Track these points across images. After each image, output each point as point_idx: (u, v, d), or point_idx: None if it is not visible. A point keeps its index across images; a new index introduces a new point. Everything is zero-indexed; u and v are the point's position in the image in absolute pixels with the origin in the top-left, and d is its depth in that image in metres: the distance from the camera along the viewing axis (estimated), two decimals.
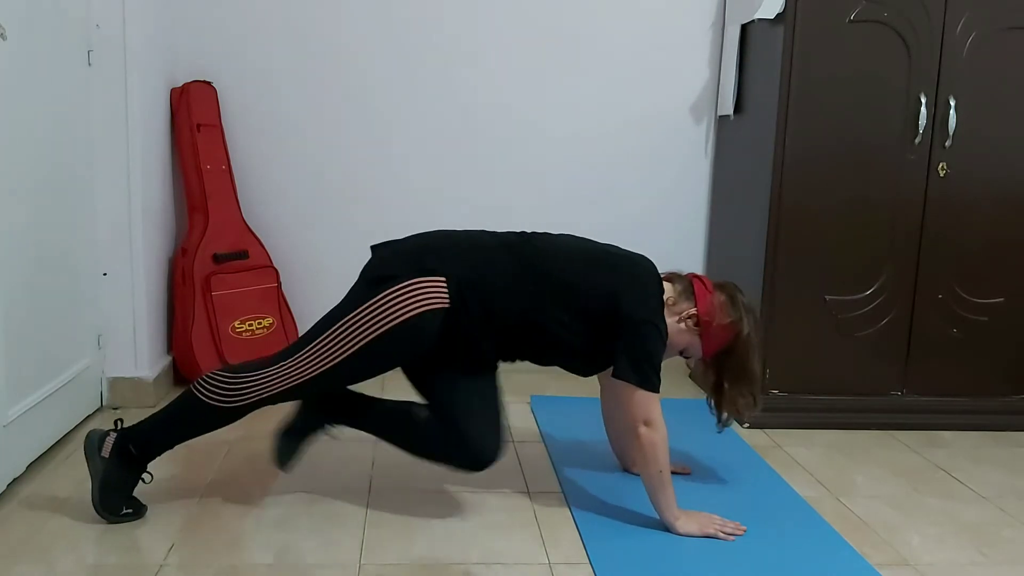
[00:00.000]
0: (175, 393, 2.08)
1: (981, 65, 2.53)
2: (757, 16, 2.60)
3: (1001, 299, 2.67)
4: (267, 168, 3.00)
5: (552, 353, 1.97)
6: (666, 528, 1.88)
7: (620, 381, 1.85)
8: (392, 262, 1.89)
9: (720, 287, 1.99)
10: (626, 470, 2.20)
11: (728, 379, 1.99)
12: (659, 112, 3.10)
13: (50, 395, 2.19)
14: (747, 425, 2.59)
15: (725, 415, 2.03)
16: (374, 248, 1.98)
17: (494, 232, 2.00)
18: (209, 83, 2.89)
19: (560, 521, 1.94)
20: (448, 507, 1.99)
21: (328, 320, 1.85)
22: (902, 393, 2.68)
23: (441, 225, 3.06)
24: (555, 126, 3.08)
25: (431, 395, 1.95)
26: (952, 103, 2.52)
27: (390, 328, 1.79)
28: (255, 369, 1.84)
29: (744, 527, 1.90)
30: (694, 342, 1.97)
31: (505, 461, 2.26)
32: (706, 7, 3.06)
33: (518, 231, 2.02)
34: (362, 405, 2.02)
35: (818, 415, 2.63)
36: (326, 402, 2.01)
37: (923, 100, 2.52)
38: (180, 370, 2.80)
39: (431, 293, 1.81)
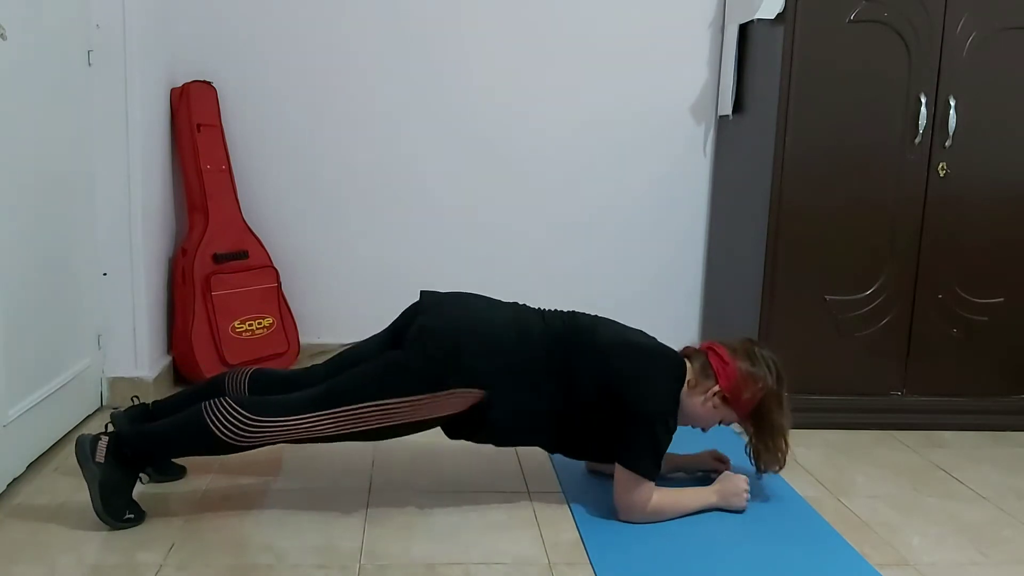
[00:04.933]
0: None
1: (981, 65, 2.53)
2: (757, 16, 2.60)
3: (1001, 299, 2.67)
4: (267, 168, 3.00)
5: (572, 447, 2.05)
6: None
7: (621, 467, 1.91)
8: (447, 352, 1.85)
9: (736, 351, 2.01)
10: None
11: (758, 432, 2.04)
12: (659, 112, 3.10)
13: (50, 395, 2.19)
14: None
15: (763, 464, 2.07)
16: (424, 305, 1.97)
17: (538, 317, 1.99)
18: (209, 83, 2.89)
19: (560, 521, 1.94)
20: (448, 507, 1.99)
21: (370, 386, 1.84)
22: (902, 393, 2.68)
23: (441, 223, 3.09)
24: (555, 126, 3.08)
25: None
26: (952, 103, 2.52)
27: (415, 421, 1.87)
28: (277, 415, 1.81)
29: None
30: (727, 414, 2.01)
31: (505, 461, 2.27)
32: (706, 7, 3.06)
33: (560, 317, 2.01)
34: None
35: (818, 415, 2.62)
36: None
37: (923, 100, 2.52)
38: (180, 370, 2.80)
39: (469, 399, 1.87)
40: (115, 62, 2.44)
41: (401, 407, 1.84)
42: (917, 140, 2.54)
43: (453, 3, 2.98)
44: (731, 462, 2.19)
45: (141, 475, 1.89)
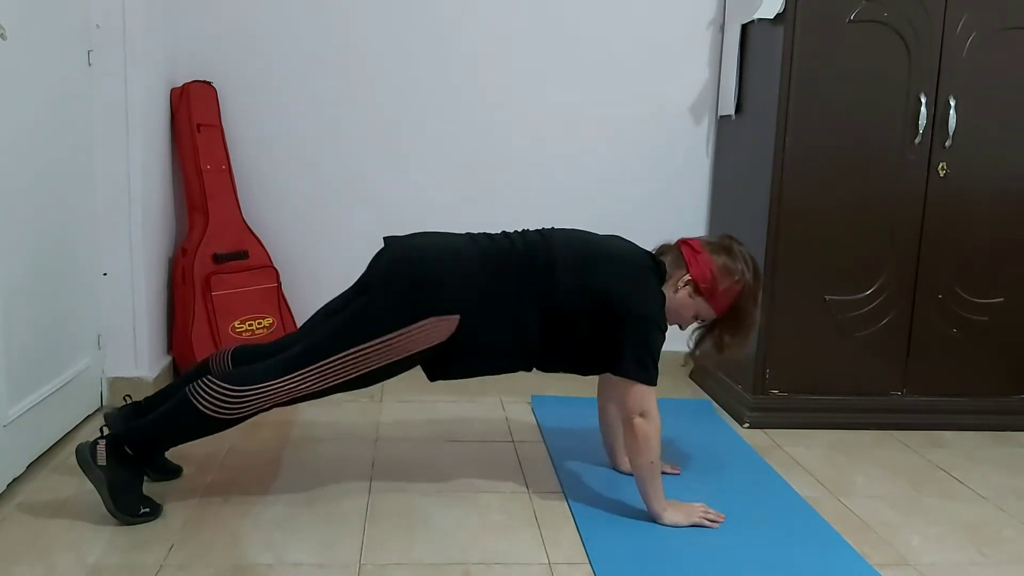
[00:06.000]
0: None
1: (981, 65, 2.53)
2: (757, 16, 2.60)
3: (1001, 299, 2.67)
4: (267, 168, 3.00)
5: (552, 363, 2.00)
6: (652, 519, 1.90)
7: (626, 379, 1.87)
8: (415, 284, 1.85)
9: (714, 245, 1.98)
10: (615, 468, 2.21)
11: (726, 326, 1.99)
12: (659, 112, 3.10)
13: (50, 395, 2.19)
14: (747, 425, 2.59)
15: (701, 349, 2.03)
16: (389, 245, 1.95)
17: (507, 237, 1.97)
18: (209, 83, 2.89)
19: (560, 521, 1.94)
20: (448, 507, 1.99)
21: (341, 335, 1.84)
22: (902, 393, 2.68)
23: (441, 223, 3.07)
24: (555, 126, 3.08)
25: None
26: (952, 103, 2.52)
27: (396, 360, 1.85)
28: (258, 381, 1.82)
29: (723, 515, 1.92)
30: (701, 306, 1.97)
31: (505, 461, 2.27)
32: (706, 7, 3.06)
33: (530, 234, 1.98)
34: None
35: (818, 415, 2.63)
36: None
37: (923, 100, 2.52)
38: (180, 370, 2.80)
39: (444, 329, 1.84)
40: (115, 62, 2.44)
41: (380, 348, 1.82)
42: (917, 140, 2.55)
43: (454, 4, 2.98)
44: (728, 458, 2.16)
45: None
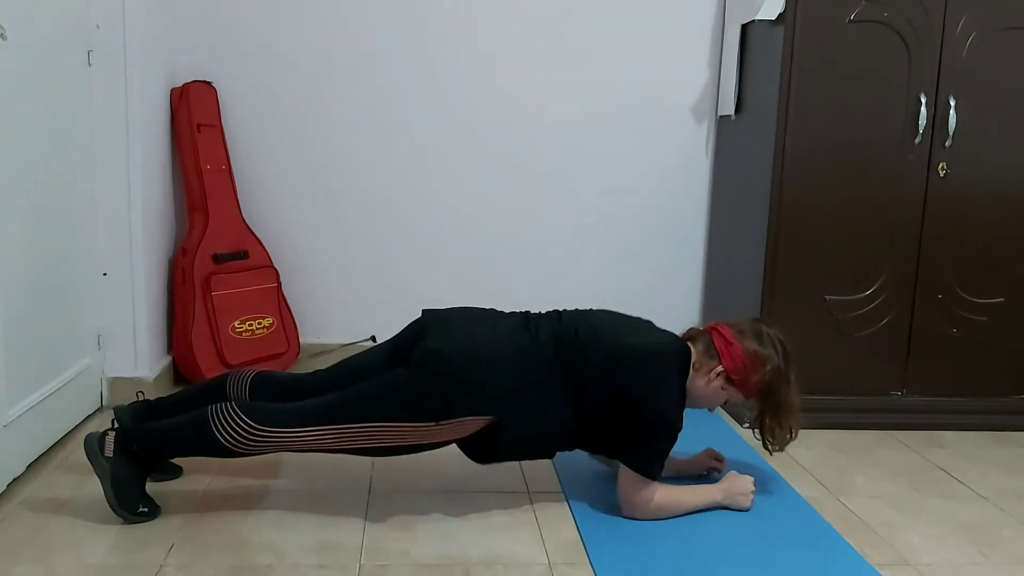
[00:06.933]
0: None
1: (981, 65, 2.53)
2: (757, 17, 2.60)
3: (1001, 299, 2.67)
4: (267, 168, 3.00)
5: (587, 446, 2.07)
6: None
7: (627, 467, 1.92)
8: (456, 382, 1.84)
9: (743, 332, 1.99)
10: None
11: (768, 413, 2.02)
12: (660, 112, 3.10)
13: (50, 395, 2.19)
14: (747, 425, 2.58)
15: (770, 444, 2.06)
16: (429, 327, 1.94)
17: (537, 329, 1.96)
18: (209, 83, 2.89)
19: (560, 521, 1.94)
20: (448, 507, 1.99)
21: (375, 406, 1.84)
22: (902, 393, 2.68)
23: (441, 223, 3.09)
24: (555, 125, 3.08)
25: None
26: (952, 103, 2.52)
27: (421, 444, 1.89)
28: (282, 426, 1.81)
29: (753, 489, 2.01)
30: (733, 394, 2.00)
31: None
32: (706, 7, 3.06)
33: (561, 324, 1.98)
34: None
35: (818, 415, 2.62)
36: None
37: (923, 100, 2.52)
38: (180, 370, 2.80)
39: (477, 425, 1.88)
40: (115, 62, 2.44)
41: (408, 431, 1.85)
42: (917, 140, 2.55)
43: (455, 4, 2.98)
44: (728, 457, 2.19)
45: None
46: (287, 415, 1.83)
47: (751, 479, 2.03)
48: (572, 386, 1.90)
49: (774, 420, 2.01)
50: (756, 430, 2.07)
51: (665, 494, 1.93)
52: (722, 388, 1.98)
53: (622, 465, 1.93)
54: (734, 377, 1.96)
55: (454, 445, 1.97)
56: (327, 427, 1.82)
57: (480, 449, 1.96)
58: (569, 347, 1.93)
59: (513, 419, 1.87)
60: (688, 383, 1.98)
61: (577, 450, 2.05)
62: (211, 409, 1.82)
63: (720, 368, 1.96)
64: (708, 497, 1.99)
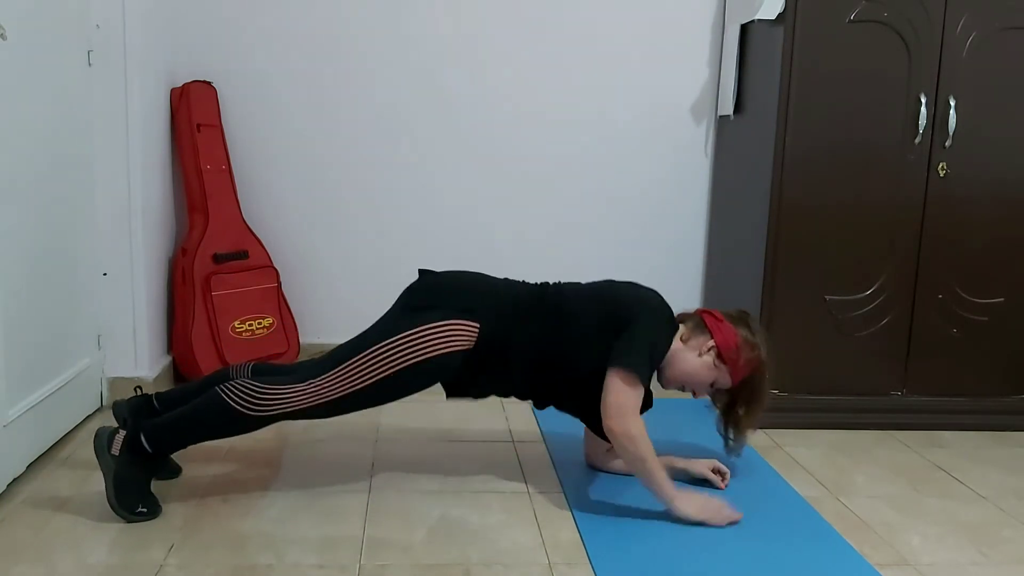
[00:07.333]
0: None
1: (981, 65, 2.53)
2: (757, 17, 2.60)
3: (1001, 299, 2.67)
4: (267, 168, 3.00)
5: (564, 392, 2.06)
6: (666, 511, 1.90)
7: (612, 371, 1.88)
8: (436, 292, 1.97)
9: (732, 318, 2.02)
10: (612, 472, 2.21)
11: (743, 404, 2.02)
12: (659, 112, 3.10)
13: (50, 395, 2.19)
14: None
15: (736, 440, 2.07)
16: (421, 273, 2.07)
17: (526, 283, 2.08)
18: (209, 83, 2.89)
19: (560, 521, 1.94)
20: (448, 507, 1.99)
21: (362, 342, 1.91)
22: (902, 393, 2.68)
23: (441, 222, 3.09)
24: (555, 126, 3.08)
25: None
26: (952, 103, 2.52)
27: (416, 363, 1.88)
28: (284, 384, 1.87)
29: (741, 514, 1.92)
30: (722, 374, 2.00)
31: (505, 461, 2.27)
32: (706, 7, 3.06)
33: (550, 284, 2.07)
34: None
35: (818, 415, 2.63)
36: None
37: (923, 100, 2.52)
38: (180, 370, 2.80)
39: (462, 334, 1.90)
40: (115, 62, 2.44)
41: (402, 346, 1.86)
42: (917, 140, 2.55)
43: (455, 4, 2.98)
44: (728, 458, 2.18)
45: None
46: (293, 376, 1.91)
47: (737, 514, 1.92)
48: (558, 312, 1.96)
49: (747, 412, 2.02)
50: (721, 425, 2.08)
51: (644, 436, 1.85)
52: (713, 364, 1.98)
53: (608, 374, 1.88)
54: (726, 354, 1.96)
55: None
56: (328, 373, 1.87)
57: (463, 378, 1.97)
58: (557, 288, 2.04)
59: (495, 325, 1.92)
60: (676, 353, 1.99)
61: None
62: (219, 386, 1.88)
63: (712, 343, 1.97)
64: (671, 490, 1.88)
